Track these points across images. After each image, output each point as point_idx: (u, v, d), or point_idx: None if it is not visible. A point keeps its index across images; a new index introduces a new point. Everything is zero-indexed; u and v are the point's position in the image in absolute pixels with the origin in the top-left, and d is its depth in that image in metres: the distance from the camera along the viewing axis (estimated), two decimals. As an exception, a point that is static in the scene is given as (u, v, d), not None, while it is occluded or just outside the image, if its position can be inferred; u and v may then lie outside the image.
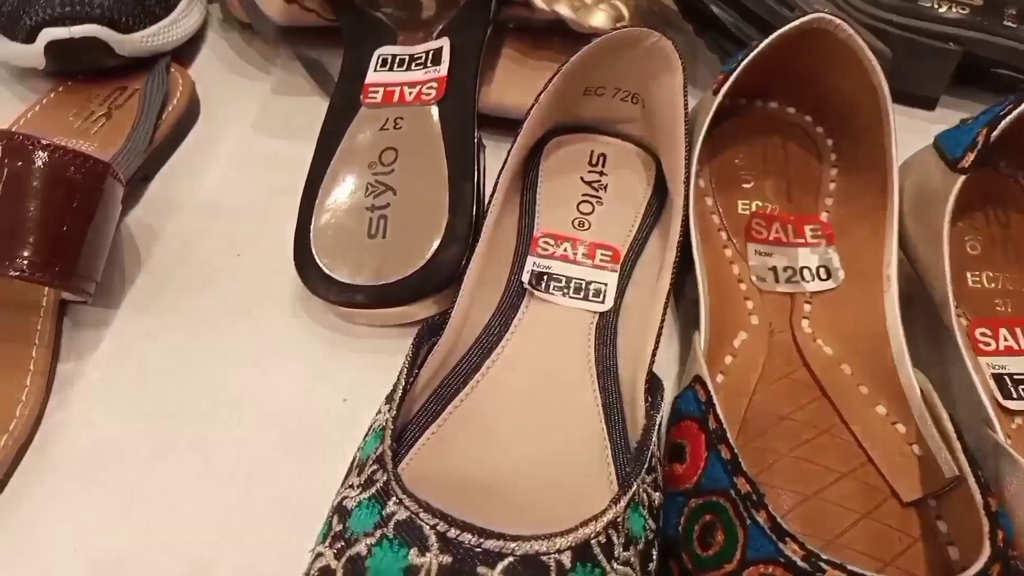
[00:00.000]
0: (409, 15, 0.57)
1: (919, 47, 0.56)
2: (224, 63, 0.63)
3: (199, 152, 0.57)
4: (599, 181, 0.50)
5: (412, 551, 0.28)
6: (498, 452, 0.39)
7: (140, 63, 0.58)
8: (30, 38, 0.54)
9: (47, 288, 0.45)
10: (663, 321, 0.40)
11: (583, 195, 0.49)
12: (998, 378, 0.41)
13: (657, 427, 0.36)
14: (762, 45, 0.45)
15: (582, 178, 0.50)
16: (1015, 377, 0.42)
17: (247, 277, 0.49)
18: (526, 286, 0.45)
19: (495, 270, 0.45)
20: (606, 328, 0.44)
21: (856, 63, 0.44)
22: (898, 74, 0.50)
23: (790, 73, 0.48)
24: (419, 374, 0.39)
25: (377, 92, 0.51)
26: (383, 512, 0.29)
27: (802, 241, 0.48)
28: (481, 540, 0.28)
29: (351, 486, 0.32)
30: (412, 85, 0.51)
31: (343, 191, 0.46)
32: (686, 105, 0.45)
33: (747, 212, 0.49)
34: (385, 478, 0.30)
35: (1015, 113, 0.40)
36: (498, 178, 0.45)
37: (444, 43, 0.53)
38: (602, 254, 0.46)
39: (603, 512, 0.30)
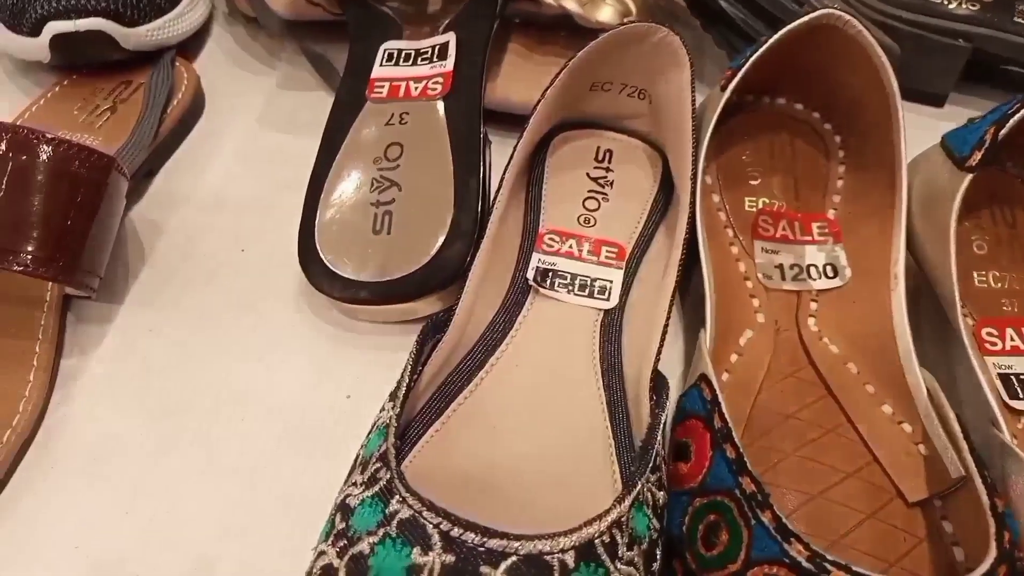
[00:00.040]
0: (415, 9, 0.57)
1: (928, 43, 0.56)
2: (229, 57, 0.63)
3: (204, 146, 0.57)
4: (605, 177, 0.50)
5: (415, 550, 0.28)
6: (502, 449, 0.39)
7: (145, 57, 0.58)
8: (35, 31, 0.54)
9: (50, 283, 0.44)
10: (668, 319, 0.40)
11: (589, 191, 0.49)
12: (1004, 378, 0.41)
13: (662, 426, 0.35)
14: (770, 41, 0.44)
15: (588, 174, 0.50)
16: (1021, 377, 0.41)
17: (251, 272, 0.49)
18: (531, 283, 0.45)
19: (500, 267, 0.45)
20: (611, 325, 0.44)
21: (865, 59, 0.44)
22: (907, 71, 0.49)
23: (798, 69, 0.48)
24: (423, 371, 0.39)
25: (383, 87, 0.51)
26: (386, 510, 0.29)
27: (809, 239, 0.47)
28: (484, 539, 0.28)
29: (354, 484, 0.32)
30: (418, 80, 0.51)
31: (348, 187, 0.46)
32: (693, 101, 0.45)
33: (754, 209, 0.48)
34: (388, 476, 0.30)
35: (1023, 112, 0.40)
36: (504, 174, 0.44)
37: (450, 38, 0.52)
38: (607, 251, 0.46)
39: (607, 511, 0.30)
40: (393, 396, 0.35)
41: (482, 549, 0.27)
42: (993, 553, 0.30)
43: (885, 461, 0.39)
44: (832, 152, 0.50)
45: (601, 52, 0.45)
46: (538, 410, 0.40)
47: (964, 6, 0.56)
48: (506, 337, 0.43)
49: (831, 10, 0.43)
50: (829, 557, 0.29)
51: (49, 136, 0.41)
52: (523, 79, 0.55)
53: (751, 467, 0.32)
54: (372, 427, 0.36)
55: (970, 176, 0.41)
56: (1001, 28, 0.55)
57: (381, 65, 0.52)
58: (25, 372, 0.42)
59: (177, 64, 0.59)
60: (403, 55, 0.53)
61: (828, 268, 0.46)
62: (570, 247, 0.46)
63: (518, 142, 0.45)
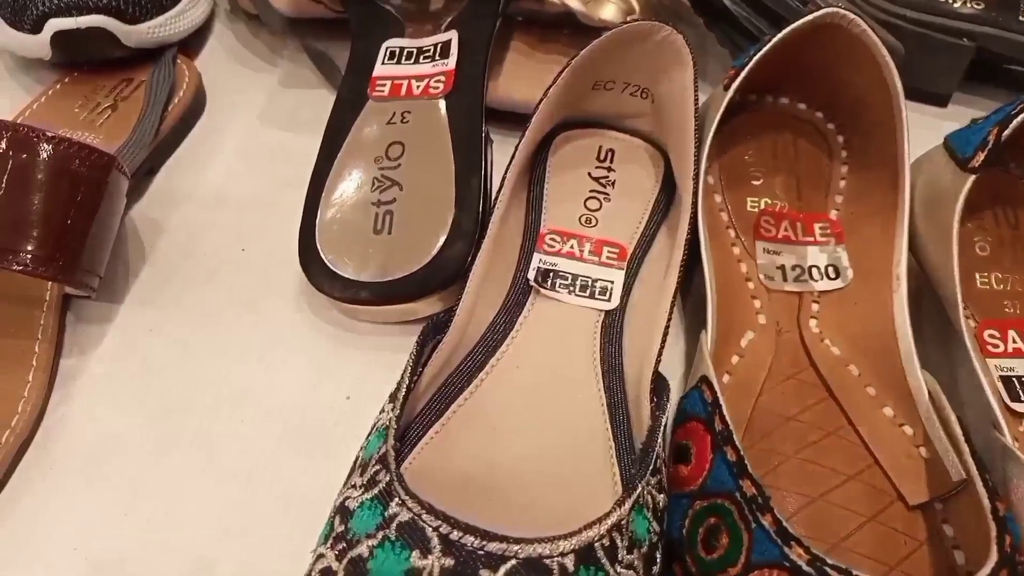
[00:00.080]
0: (417, 7, 0.56)
1: (932, 42, 0.55)
2: (231, 55, 0.63)
3: (205, 144, 0.56)
4: (607, 177, 0.49)
5: (414, 553, 0.28)
6: (502, 450, 0.39)
7: (146, 54, 0.58)
8: (36, 28, 0.54)
9: (50, 282, 0.44)
10: (669, 320, 0.40)
11: (590, 191, 0.49)
12: (1006, 380, 0.41)
13: (662, 428, 0.35)
14: (774, 40, 0.44)
15: (590, 174, 0.49)
16: (1023, 379, 0.41)
17: (252, 271, 0.49)
18: (532, 283, 0.44)
19: (501, 267, 0.45)
20: (612, 326, 0.43)
21: (869, 59, 0.43)
22: (910, 70, 0.49)
23: (802, 68, 0.48)
24: (423, 372, 0.38)
25: (384, 85, 0.51)
26: (385, 513, 0.29)
27: (811, 239, 0.47)
28: (484, 543, 0.28)
29: (353, 486, 0.32)
30: (420, 78, 0.51)
31: (349, 186, 0.46)
32: (696, 100, 0.45)
33: (756, 209, 0.48)
34: (388, 479, 0.30)
35: (1027, 113, 0.40)
36: (505, 173, 0.44)
37: (452, 36, 0.52)
38: (609, 251, 0.46)
39: (607, 515, 0.30)
40: (393, 397, 0.35)
41: (481, 552, 0.27)
42: (994, 557, 0.30)
43: (886, 464, 0.39)
44: (835, 152, 0.49)
45: (604, 51, 0.45)
46: (538, 411, 0.40)
47: (968, 5, 0.55)
48: (507, 338, 0.43)
49: (835, 9, 0.43)
50: (829, 561, 0.29)
51: (49, 134, 0.41)
52: (525, 77, 0.54)
53: (752, 470, 0.32)
54: (372, 428, 0.35)
55: (973, 177, 0.41)
56: (1006, 27, 0.55)
57: (383, 63, 0.52)
58: (24, 372, 0.42)
59: (178, 62, 0.59)
60: (405, 53, 0.52)
61: (830, 269, 0.46)
62: (571, 247, 0.46)
63: (520, 141, 0.45)
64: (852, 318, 0.44)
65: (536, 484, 0.38)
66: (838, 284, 0.45)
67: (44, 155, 0.41)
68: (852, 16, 0.43)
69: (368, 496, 0.30)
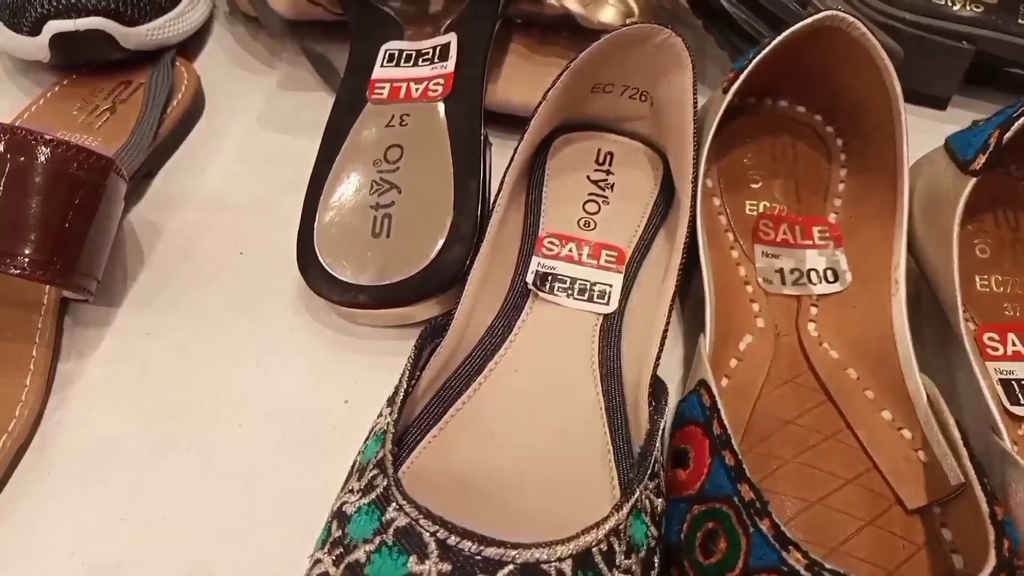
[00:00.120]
0: (417, 9, 0.56)
1: (931, 45, 0.55)
2: (230, 57, 0.63)
3: (203, 147, 0.56)
4: (606, 180, 0.49)
5: (411, 558, 0.28)
6: (500, 454, 0.39)
7: (145, 56, 0.58)
8: (35, 30, 0.54)
9: (48, 286, 0.44)
10: (668, 323, 0.40)
11: (589, 194, 0.49)
12: (1006, 384, 0.41)
13: (660, 432, 0.35)
14: (773, 43, 0.44)
15: (588, 177, 0.49)
16: (1022, 383, 0.41)
17: (250, 274, 0.49)
18: (530, 287, 0.44)
19: (499, 270, 0.45)
20: (610, 330, 0.43)
21: (868, 62, 0.43)
22: (909, 73, 0.49)
23: (801, 71, 0.48)
24: (421, 375, 0.38)
25: (383, 88, 0.51)
26: (383, 518, 0.29)
27: (810, 243, 0.47)
28: (481, 548, 0.28)
29: (351, 491, 0.32)
30: (419, 81, 0.51)
31: (348, 189, 0.46)
32: (695, 103, 0.44)
33: (755, 213, 0.48)
34: (385, 483, 0.30)
35: (1028, 116, 0.40)
36: (504, 176, 0.44)
37: (451, 39, 0.52)
38: (607, 255, 0.46)
39: (605, 519, 0.30)
40: (391, 402, 0.35)
41: (479, 558, 0.27)
42: (992, 561, 0.30)
43: (884, 468, 0.39)
44: (834, 155, 0.49)
45: (603, 53, 0.45)
46: (536, 415, 0.40)
47: (968, 8, 0.55)
48: (505, 341, 0.43)
49: (834, 12, 0.43)
50: (827, 565, 0.29)
51: (47, 137, 0.41)
52: (524, 80, 0.54)
53: (750, 474, 0.32)
54: (369, 433, 0.35)
55: (974, 180, 0.41)
56: (1005, 30, 0.55)
57: (382, 66, 0.52)
58: (22, 376, 0.42)
59: (177, 64, 0.59)
60: (404, 56, 0.52)
61: (828, 272, 0.46)
62: (570, 251, 0.46)
63: (519, 144, 0.45)
64: (851, 322, 0.44)
65: (534, 488, 0.38)
66: (837, 287, 0.45)
67: (42, 158, 0.41)
68: (851, 19, 0.42)
69: (365, 501, 0.30)
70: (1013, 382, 0.41)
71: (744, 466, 0.33)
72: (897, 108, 0.43)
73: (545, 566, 0.28)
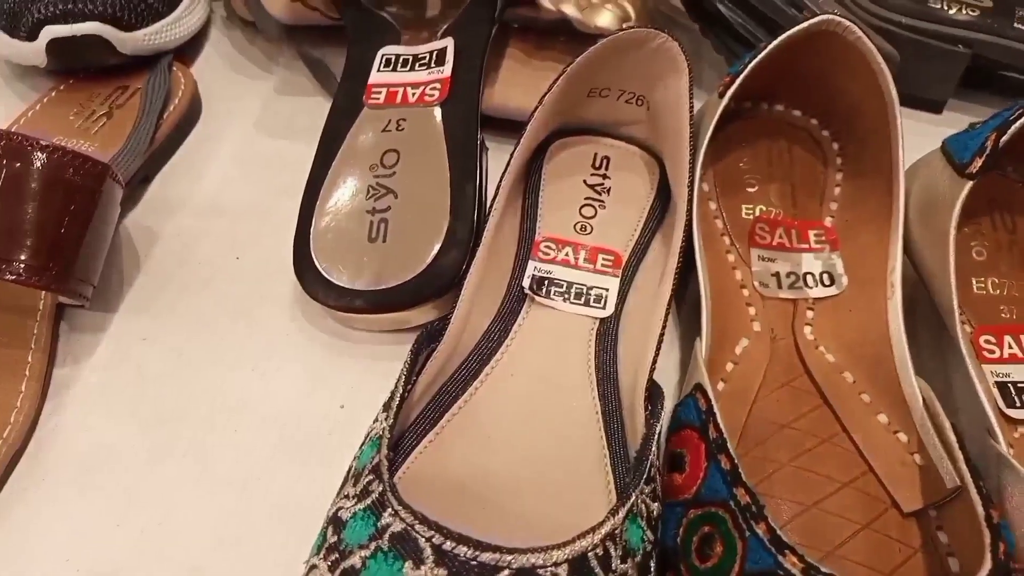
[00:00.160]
0: (413, 14, 0.56)
1: (927, 49, 0.55)
2: (227, 62, 0.63)
3: (200, 152, 0.56)
4: (602, 184, 0.49)
5: (407, 564, 0.28)
6: (496, 459, 0.39)
7: (142, 61, 0.58)
8: (32, 35, 0.54)
9: (44, 291, 0.44)
10: (664, 327, 0.40)
11: (586, 198, 0.49)
12: (1001, 386, 0.41)
13: (657, 436, 0.35)
14: (769, 47, 0.44)
15: (585, 181, 0.49)
16: (1019, 385, 0.41)
17: (247, 279, 0.49)
18: (527, 291, 0.44)
19: (495, 275, 0.45)
20: (607, 334, 0.43)
21: (864, 66, 0.43)
22: (905, 77, 0.49)
23: (797, 75, 0.48)
24: (418, 380, 0.38)
25: (380, 93, 0.51)
26: (378, 524, 0.29)
27: (806, 246, 0.47)
28: (477, 553, 0.27)
29: (346, 496, 0.32)
30: (415, 86, 0.51)
31: (344, 194, 0.46)
32: (691, 107, 0.45)
33: (751, 216, 0.48)
34: (381, 489, 0.30)
35: (1025, 118, 0.40)
36: (500, 181, 0.44)
37: (448, 43, 0.52)
38: (604, 259, 0.46)
39: (600, 524, 0.30)
40: (387, 407, 0.35)
41: (474, 563, 0.27)
42: (988, 564, 0.30)
43: (880, 471, 0.39)
44: (830, 159, 0.49)
45: (599, 58, 0.45)
46: (533, 420, 0.40)
47: (964, 12, 0.55)
48: (501, 346, 0.43)
49: (831, 16, 0.43)
50: (823, 569, 0.29)
51: (43, 143, 0.41)
52: (521, 85, 0.54)
53: (746, 478, 0.32)
54: (365, 438, 0.35)
55: (970, 183, 0.41)
56: (1001, 34, 0.55)
57: (379, 71, 0.52)
58: (17, 382, 0.42)
59: (174, 69, 0.59)
60: (401, 60, 0.52)
61: (824, 276, 0.46)
62: (566, 255, 0.46)
63: (515, 149, 0.45)
64: (847, 325, 0.44)
65: (530, 493, 0.38)
66: (833, 291, 0.45)
67: (38, 164, 0.40)
68: (847, 23, 0.43)
69: (361, 506, 0.30)
70: (1009, 385, 0.41)
71: (740, 470, 0.33)
72: (893, 112, 0.43)
73: (541, 571, 0.28)
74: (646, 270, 0.46)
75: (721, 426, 0.35)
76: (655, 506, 0.34)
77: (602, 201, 0.49)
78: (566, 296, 0.44)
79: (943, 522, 0.36)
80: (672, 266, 0.41)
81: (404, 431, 0.38)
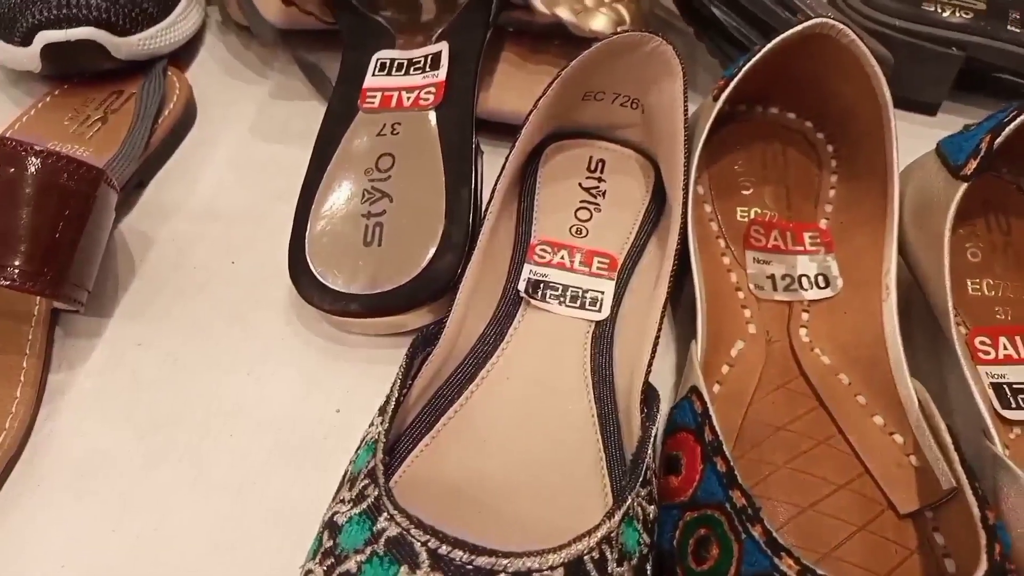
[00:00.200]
0: (408, 18, 0.56)
1: (921, 52, 0.56)
2: (221, 66, 0.63)
3: (195, 156, 0.56)
4: (597, 187, 0.49)
5: (402, 568, 0.28)
6: (492, 462, 0.39)
7: (137, 66, 0.58)
8: (26, 40, 0.53)
9: (38, 297, 0.44)
10: (660, 330, 0.40)
11: (581, 201, 0.49)
12: (997, 387, 0.41)
13: (652, 438, 0.35)
14: (763, 50, 0.44)
15: (580, 184, 0.50)
16: (1014, 386, 0.41)
17: (242, 283, 0.49)
18: (522, 295, 0.44)
19: (491, 278, 0.45)
20: (602, 337, 0.43)
21: (858, 68, 0.43)
22: (899, 79, 0.49)
23: (791, 78, 0.48)
24: (413, 384, 0.38)
25: (375, 96, 0.51)
26: (374, 528, 0.29)
27: (801, 249, 0.47)
28: (472, 557, 0.27)
29: (342, 501, 0.32)
30: (410, 90, 0.51)
31: (339, 197, 0.46)
32: (686, 111, 0.45)
33: (746, 219, 0.48)
34: (376, 493, 0.30)
35: (1019, 120, 0.40)
36: (495, 184, 0.44)
37: (443, 47, 0.52)
38: (599, 262, 0.46)
39: (596, 527, 0.30)
40: (382, 411, 0.35)
41: (470, 567, 0.27)
42: (984, 565, 0.30)
43: (876, 473, 0.39)
44: (824, 161, 0.50)
45: (594, 61, 0.45)
46: (528, 423, 0.40)
47: (957, 14, 0.56)
48: (497, 349, 0.43)
49: (825, 19, 0.43)
50: (819, 571, 0.29)
51: (37, 148, 0.41)
52: (516, 88, 0.54)
53: (742, 480, 0.32)
54: (361, 442, 0.35)
55: (965, 185, 0.41)
56: (995, 36, 0.55)
57: (374, 75, 0.52)
58: (12, 387, 0.42)
59: (169, 73, 0.59)
60: (396, 65, 0.52)
61: (820, 278, 0.46)
62: (562, 258, 0.46)
63: (510, 152, 0.45)
64: (842, 327, 0.44)
65: (526, 496, 0.37)
66: (828, 293, 0.45)
67: (32, 169, 0.40)
68: (841, 26, 0.43)
69: (356, 511, 0.30)
70: (1004, 386, 0.41)
71: (736, 472, 0.33)
72: (887, 114, 0.43)
73: (537, 574, 0.28)
74: (641, 273, 0.46)
75: (717, 428, 0.35)
76: (651, 509, 0.34)
77: (597, 204, 0.49)
78: (562, 299, 0.44)
79: (939, 523, 0.36)
80: (667, 269, 0.41)
81: (400, 435, 0.38)
